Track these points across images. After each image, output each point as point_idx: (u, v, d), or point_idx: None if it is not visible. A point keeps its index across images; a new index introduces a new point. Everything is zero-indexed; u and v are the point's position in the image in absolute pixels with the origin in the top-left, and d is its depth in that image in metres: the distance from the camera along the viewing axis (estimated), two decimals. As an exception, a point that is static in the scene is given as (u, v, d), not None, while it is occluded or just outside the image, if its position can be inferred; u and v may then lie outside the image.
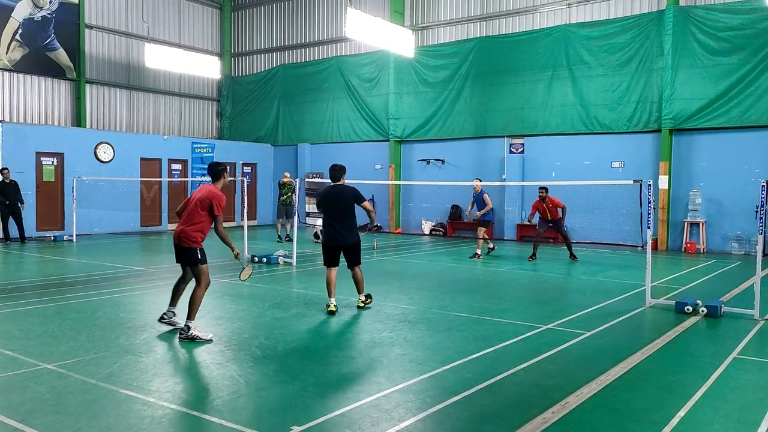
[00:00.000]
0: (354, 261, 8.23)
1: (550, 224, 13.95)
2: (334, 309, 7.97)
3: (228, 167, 7.11)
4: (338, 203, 8.08)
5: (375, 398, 4.85)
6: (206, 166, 22.27)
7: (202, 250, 6.67)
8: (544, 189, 13.70)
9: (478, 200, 14.39)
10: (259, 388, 5.09)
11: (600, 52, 17.46)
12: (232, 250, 6.80)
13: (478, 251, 14.23)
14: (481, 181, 15.03)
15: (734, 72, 15.59)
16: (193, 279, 6.84)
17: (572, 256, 13.85)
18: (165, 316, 7.01)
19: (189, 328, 6.51)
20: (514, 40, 19.00)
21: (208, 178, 7.13)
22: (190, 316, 6.55)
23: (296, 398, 4.84)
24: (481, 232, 14.38)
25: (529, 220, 14.42)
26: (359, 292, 8.32)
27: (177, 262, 6.84)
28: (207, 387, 5.13)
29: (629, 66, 17.03)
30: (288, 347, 6.34)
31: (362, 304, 8.28)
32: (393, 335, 6.86)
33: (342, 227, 8.06)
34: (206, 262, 6.73)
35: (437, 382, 5.28)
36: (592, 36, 17.59)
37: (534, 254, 13.87)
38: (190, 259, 6.65)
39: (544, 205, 13.66)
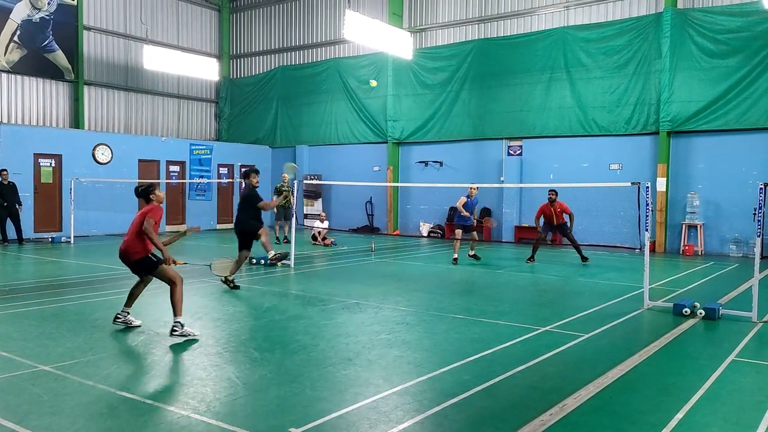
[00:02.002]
0: (242, 244, 10.22)
1: (555, 229, 13.76)
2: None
3: (153, 184, 7.33)
4: (241, 199, 10.50)
5: (373, 400, 4.84)
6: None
7: (151, 255, 6.83)
8: (554, 192, 13.53)
9: (476, 206, 14.13)
10: (256, 389, 5.09)
11: (598, 55, 17.49)
12: (162, 254, 6.74)
13: (472, 252, 14.08)
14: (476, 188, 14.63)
15: (732, 74, 15.62)
16: (150, 282, 7.22)
17: (583, 258, 13.66)
18: (119, 316, 7.07)
19: (181, 325, 6.62)
20: (513, 43, 19.03)
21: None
22: (177, 312, 6.65)
23: (294, 400, 4.83)
24: (474, 234, 14.26)
25: (535, 225, 14.03)
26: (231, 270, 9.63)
27: (135, 273, 7.11)
28: (204, 389, 5.12)
29: (627, 68, 17.07)
30: (286, 349, 6.34)
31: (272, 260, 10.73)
32: (391, 337, 6.86)
33: (238, 216, 10.29)
34: (162, 262, 6.80)
35: (435, 384, 5.28)
36: (590, 38, 17.62)
37: (533, 256, 13.84)
38: (147, 267, 6.82)
39: (552, 209, 13.50)
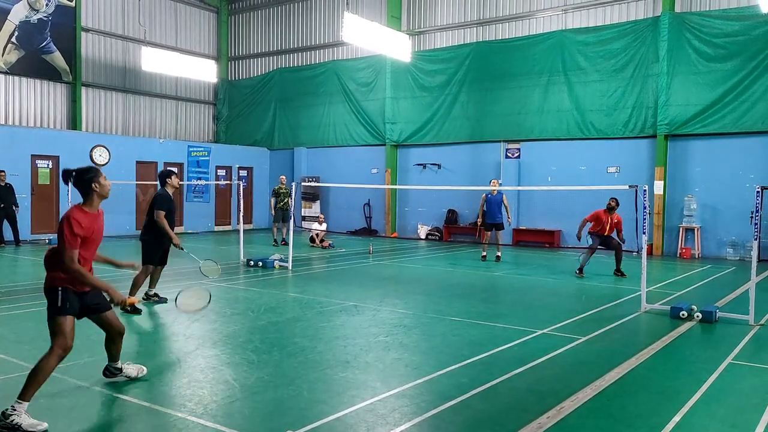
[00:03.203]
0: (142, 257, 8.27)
1: (603, 239, 12.38)
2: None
3: (96, 171, 4.75)
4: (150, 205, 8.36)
5: (370, 403, 4.84)
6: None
7: (64, 292, 4.48)
8: (616, 201, 12.23)
9: (498, 203, 14.02)
10: (254, 392, 5.08)
11: (596, 58, 17.53)
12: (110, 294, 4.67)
13: (499, 253, 14.42)
14: (499, 182, 14.93)
15: (729, 78, 15.66)
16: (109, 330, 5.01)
17: (618, 270, 12.51)
18: (108, 372, 5.24)
19: (9, 412, 4.19)
20: (511, 46, 19.06)
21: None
22: (25, 394, 4.29)
23: (291, 402, 4.83)
24: (500, 235, 14.37)
25: (579, 228, 12.54)
26: (130, 291, 7.84)
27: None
28: (202, 391, 5.11)
29: (625, 72, 17.10)
30: (283, 351, 6.33)
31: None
32: (389, 339, 6.85)
33: (148, 224, 8.25)
34: (65, 313, 4.46)
35: (432, 386, 5.28)
36: (588, 42, 17.66)
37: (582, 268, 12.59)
38: (48, 305, 4.51)
39: (609, 218, 12.23)
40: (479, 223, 14.78)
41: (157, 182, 8.30)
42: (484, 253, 14.52)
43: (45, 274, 4.57)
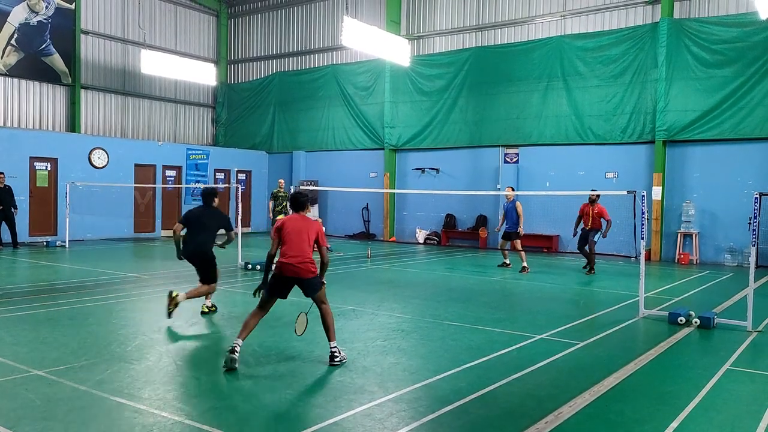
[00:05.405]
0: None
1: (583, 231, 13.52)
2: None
3: (307, 196, 6.66)
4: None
5: (368, 407, 4.83)
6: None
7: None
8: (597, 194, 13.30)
9: (511, 210, 13.86)
10: (251, 396, 5.07)
11: (595, 64, 17.56)
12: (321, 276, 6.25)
13: (525, 263, 13.53)
14: (513, 189, 14.74)
15: (727, 84, 15.70)
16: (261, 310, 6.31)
17: (591, 269, 13.40)
18: (236, 352, 5.84)
19: (336, 354, 6.05)
20: (510, 51, 19.09)
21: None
22: (332, 338, 6.10)
23: (288, 406, 4.82)
24: (518, 243, 13.82)
25: (574, 233, 13.77)
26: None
27: (283, 297, 6.29)
28: (199, 395, 5.10)
29: (623, 77, 17.13)
30: (281, 355, 6.32)
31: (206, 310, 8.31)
32: (386, 344, 6.85)
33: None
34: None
35: (430, 391, 5.27)
36: (586, 47, 17.70)
37: (591, 267, 13.48)
38: (315, 287, 6.14)
39: (591, 210, 13.37)
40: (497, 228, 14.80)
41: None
42: (524, 264, 13.55)
43: (305, 272, 5.99)
